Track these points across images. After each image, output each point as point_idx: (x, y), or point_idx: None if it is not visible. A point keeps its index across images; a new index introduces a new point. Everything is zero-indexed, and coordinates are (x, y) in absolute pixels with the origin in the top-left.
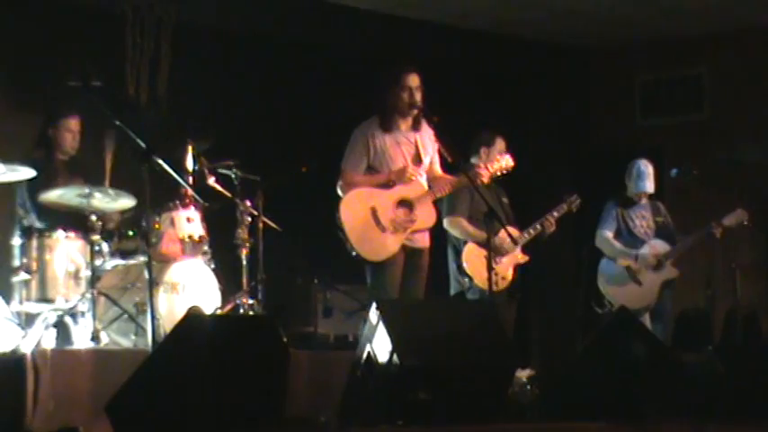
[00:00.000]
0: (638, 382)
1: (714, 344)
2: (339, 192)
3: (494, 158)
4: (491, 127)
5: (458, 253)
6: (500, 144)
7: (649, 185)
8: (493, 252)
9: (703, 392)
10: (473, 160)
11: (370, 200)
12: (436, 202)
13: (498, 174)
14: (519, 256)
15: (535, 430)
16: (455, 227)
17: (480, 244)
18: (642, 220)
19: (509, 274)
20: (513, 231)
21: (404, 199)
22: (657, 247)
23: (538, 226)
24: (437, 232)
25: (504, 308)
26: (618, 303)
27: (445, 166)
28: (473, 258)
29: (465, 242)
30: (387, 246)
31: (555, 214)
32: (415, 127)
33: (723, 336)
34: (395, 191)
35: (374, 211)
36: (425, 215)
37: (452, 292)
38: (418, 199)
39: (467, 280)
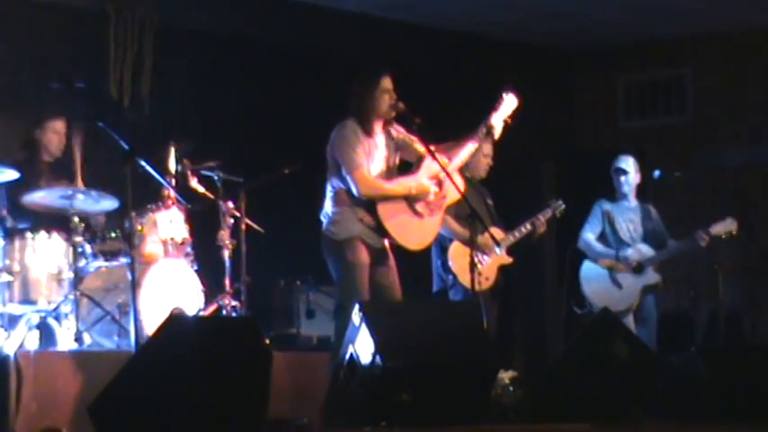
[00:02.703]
0: (620, 384)
1: (697, 345)
2: (356, 193)
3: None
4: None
5: (443, 249)
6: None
7: (624, 165)
8: (477, 251)
9: (686, 393)
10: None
11: None
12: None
13: (508, 117)
14: (504, 258)
15: None
16: (441, 224)
17: (465, 242)
18: (629, 223)
19: (492, 275)
20: (497, 233)
21: (433, 176)
22: (643, 251)
23: (524, 228)
24: None
25: (487, 308)
26: (598, 305)
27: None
28: (458, 257)
29: (451, 240)
30: (429, 230)
31: (541, 219)
32: (386, 129)
33: (706, 337)
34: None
35: (408, 201)
36: (452, 187)
37: (435, 288)
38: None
39: (450, 277)
